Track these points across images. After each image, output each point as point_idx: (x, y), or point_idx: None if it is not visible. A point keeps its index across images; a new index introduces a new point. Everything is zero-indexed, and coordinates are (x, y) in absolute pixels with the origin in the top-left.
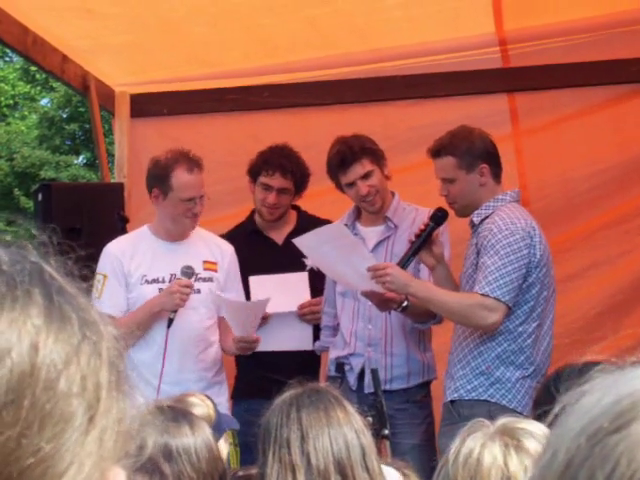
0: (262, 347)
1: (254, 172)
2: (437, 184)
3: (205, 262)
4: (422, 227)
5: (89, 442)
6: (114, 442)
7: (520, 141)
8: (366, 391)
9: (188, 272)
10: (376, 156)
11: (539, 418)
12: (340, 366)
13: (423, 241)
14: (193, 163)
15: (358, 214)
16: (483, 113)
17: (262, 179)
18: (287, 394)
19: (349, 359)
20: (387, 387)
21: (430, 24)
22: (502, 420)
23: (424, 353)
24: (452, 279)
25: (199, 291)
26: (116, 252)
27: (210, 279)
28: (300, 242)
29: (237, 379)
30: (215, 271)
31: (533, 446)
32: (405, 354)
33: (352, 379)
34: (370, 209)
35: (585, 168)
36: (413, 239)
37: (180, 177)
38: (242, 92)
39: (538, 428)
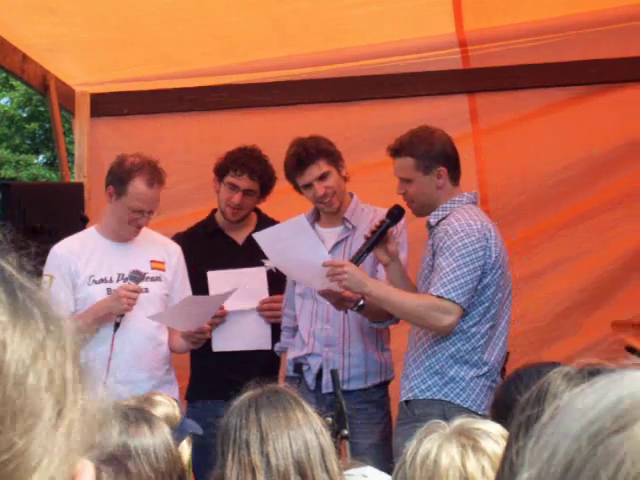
0: (220, 347)
1: (221, 171)
2: (396, 184)
3: (153, 262)
4: (378, 223)
5: (59, 435)
6: (81, 434)
7: (479, 140)
8: (324, 391)
9: (136, 277)
10: (333, 157)
11: (499, 417)
12: (298, 366)
13: (378, 237)
14: (155, 177)
15: (317, 215)
16: (443, 113)
17: (229, 179)
18: (246, 395)
19: (307, 359)
20: (345, 387)
21: (390, 23)
22: (458, 421)
23: (382, 353)
24: (407, 278)
25: (147, 290)
26: (63, 253)
27: (158, 278)
28: (259, 237)
29: (191, 380)
30: (163, 270)
31: (490, 446)
32: (363, 354)
33: (310, 379)
34: (327, 210)
35: (545, 167)
36: (369, 235)
37: (137, 187)
38: (202, 92)
39: (494, 428)
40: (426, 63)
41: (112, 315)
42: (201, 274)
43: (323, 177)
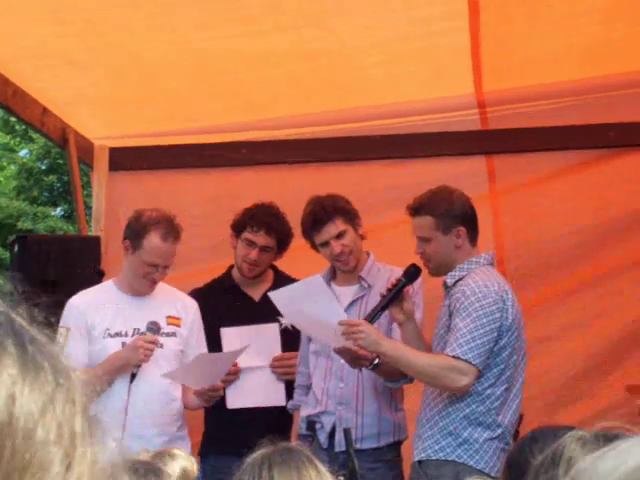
0: (234, 404)
1: (239, 227)
2: (414, 243)
3: (168, 317)
4: (394, 282)
5: None
6: None
7: (497, 202)
8: (337, 450)
9: (153, 328)
10: (349, 215)
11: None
12: (311, 424)
13: (394, 296)
14: (171, 232)
15: (333, 274)
16: (461, 174)
17: (246, 235)
18: (258, 452)
19: (320, 417)
20: (358, 446)
21: (410, 83)
22: None
23: (395, 413)
24: (421, 337)
25: (162, 346)
26: (80, 305)
27: (173, 334)
28: (275, 296)
29: (205, 435)
30: (178, 326)
31: None
32: (376, 414)
33: (323, 437)
34: (344, 268)
35: (560, 229)
36: (385, 293)
37: (152, 241)
38: (221, 148)
39: None
40: (445, 124)
41: (128, 366)
42: (216, 330)
43: (340, 236)
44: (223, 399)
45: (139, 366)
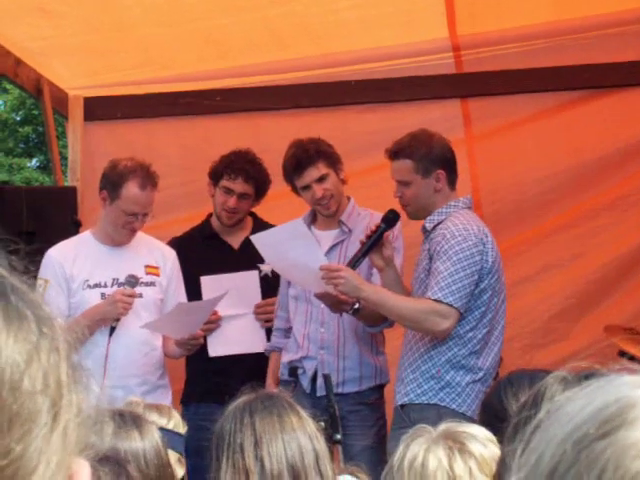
0: (216, 352)
1: (216, 175)
2: (392, 187)
3: (147, 266)
4: (373, 228)
5: (55, 438)
6: (77, 435)
7: (472, 145)
8: (319, 394)
9: (132, 281)
10: (332, 159)
11: (487, 421)
12: (293, 370)
13: (373, 242)
14: (148, 180)
15: (313, 218)
16: (436, 118)
17: (224, 182)
18: (240, 400)
19: (302, 362)
20: (340, 390)
21: (384, 27)
22: (444, 425)
23: (377, 357)
24: (401, 283)
25: (141, 295)
26: (58, 257)
27: (152, 283)
28: (256, 240)
29: (187, 383)
30: (157, 275)
31: (477, 448)
32: (357, 357)
33: (305, 382)
34: (325, 212)
35: (537, 172)
36: (364, 240)
37: (130, 190)
38: (195, 96)
39: (480, 431)
40: (419, 67)
41: (107, 320)
42: (196, 279)
43: (321, 179)
44: (204, 347)
45: (118, 320)
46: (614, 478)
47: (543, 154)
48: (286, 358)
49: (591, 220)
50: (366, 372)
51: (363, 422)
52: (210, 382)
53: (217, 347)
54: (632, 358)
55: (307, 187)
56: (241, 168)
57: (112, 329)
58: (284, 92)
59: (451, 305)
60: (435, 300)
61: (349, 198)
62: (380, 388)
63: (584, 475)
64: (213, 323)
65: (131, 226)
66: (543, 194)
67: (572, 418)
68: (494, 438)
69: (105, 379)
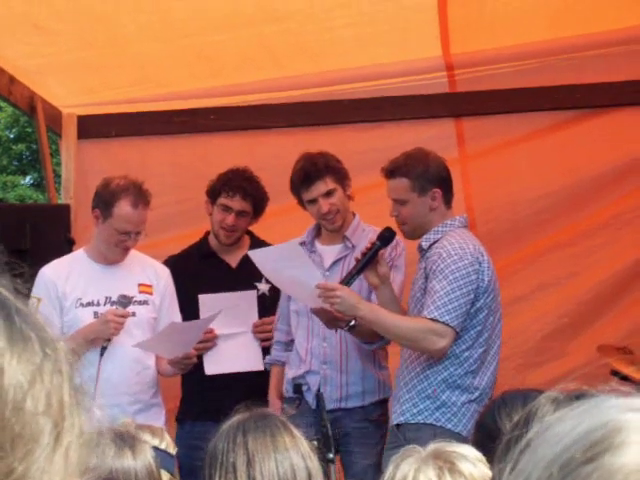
0: (212, 370)
1: (214, 193)
2: (387, 206)
3: (140, 285)
4: (369, 246)
5: (57, 459)
6: (78, 456)
7: (466, 165)
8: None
9: (124, 301)
10: (340, 175)
11: (481, 441)
12: (297, 387)
13: (368, 260)
14: (140, 198)
15: (318, 232)
16: (430, 137)
17: (222, 200)
18: (234, 419)
19: (305, 378)
20: (343, 405)
21: (379, 45)
22: (434, 444)
23: (380, 371)
24: (397, 301)
25: (134, 314)
26: (51, 275)
27: (145, 302)
28: (254, 255)
29: (182, 401)
30: (150, 294)
31: (467, 468)
32: (360, 372)
33: (310, 398)
34: (330, 227)
35: (531, 191)
36: (359, 257)
37: (122, 209)
38: (190, 114)
39: (470, 451)
40: (413, 87)
41: (99, 339)
42: (194, 297)
43: (329, 194)
44: (201, 365)
45: (109, 340)
46: None
47: (537, 173)
48: (290, 374)
49: (585, 239)
50: (369, 387)
51: (367, 440)
52: (206, 400)
53: (213, 365)
54: (624, 378)
55: (314, 201)
56: (239, 186)
57: (103, 349)
58: (279, 110)
59: (447, 324)
60: (431, 319)
61: (354, 214)
62: (383, 403)
63: None
64: (210, 341)
65: (124, 245)
66: (537, 213)
67: (560, 440)
68: (483, 458)
69: (96, 399)
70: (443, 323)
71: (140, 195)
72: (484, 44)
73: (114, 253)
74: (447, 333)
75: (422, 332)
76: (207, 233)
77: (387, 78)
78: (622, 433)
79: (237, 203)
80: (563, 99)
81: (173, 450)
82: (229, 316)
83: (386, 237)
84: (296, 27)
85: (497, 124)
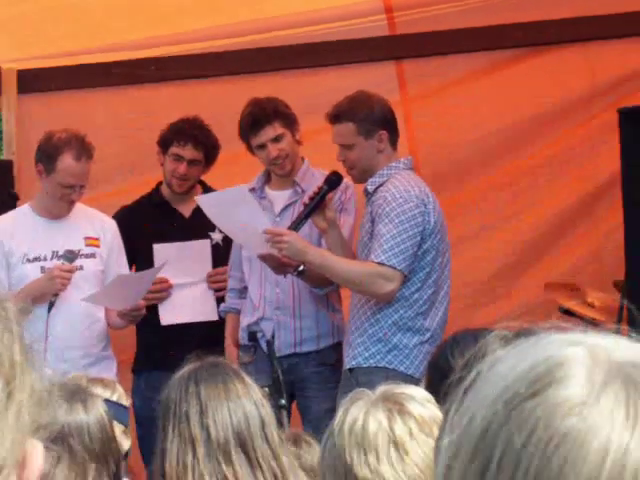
0: (168, 320)
1: (165, 143)
2: (333, 151)
3: (87, 238)
4: (316, 190)
5: (9, 417)
6: (30, 415)
7: (409, 107)
8: (278, 355)
9: (70, 256)
10: (288, 120)
11: (434, 382)
12: (252, 335)
13: (316, 204)
14: (83, 151)
15: (267, 178)
16: (372, 81)
17: (173, 149)
18: (185, 369)
19: (260, 325)
20: (297, 350)
21: None
22: (382, 387)
23: (334, 314)
24: (346, 245)
25: (82, 267)
26: None
27: (92, 255)
28: (202, 201)
29: (138, 352)
30: (97, 246)
31: (416, 409)
32: (314, 316)
33: (264, 344)
34: (279, 172)
35: (473, 132)
36: (307, 202)
37: (65, 162)
38: (129, 66)
39: (418, 392)
40: (352, 30)
41: (46, 295)
42: (148, 247)
43: (277, 139)
44: (155, 316)
45: (57, 295)
46: (544, 437)
47: (479, 114)
48: (244, 322)
49: (527, 178)
50: (324, 330)
51: (323, 384)
52: (162, 351)
53: (168, 315)
54: (571, 313)
55: (262, 146)
56: (190, 134)
57: (51, 304)
58: (219, 59)
59: (395, 267)
60: (378, 263)
61: (303, 159)
62: (339, 347)
63: (515, 435)
64: (164, 291)
65: (69, 198)
66: (480, 153)
67: (503, 378)
68: (432, 398)
69: (46, 354)
70: (390, 266)
71: (83, 148)
72: None
73: (59, 207)
74: (395, 276)
75: (370, 276)
76: (159, 183)
77: (326, 23)
78: (564, 367)
79: (189, 152)
80: (503, 38)
81: (126, 402)
82: (183, 266)
83: (333, 180)
84: None
85: (438, 65)
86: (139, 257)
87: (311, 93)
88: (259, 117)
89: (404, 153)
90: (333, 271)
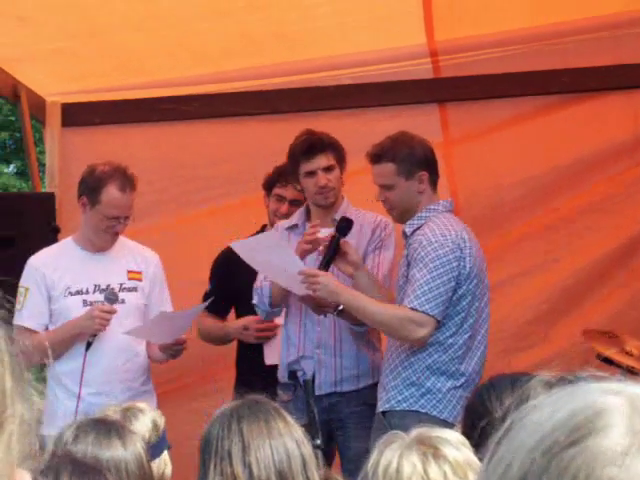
0: (270, 360)
1: (269, 185)
2: (372, 191)
3: (130, 272)
4: (329, 238)
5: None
6: (19, 445)
7: (451, 150)
8: (317, 393)
9: (112, 297)
10: (340, 154)
11: (470, 426)
12: (293, 374)
13: (333, 253)
14: (127, 182)
15: (307, 215)
16: (414, 123)
17: (276, 190)
18: (227, 406)
19: (300, 363)
20: (338, 389)
21: (361, 33)
22: (417, 430)
23: (374, 354)
24: (378, 285)
25: (123, 301)
26: (38, 265)
27: (135, 288)
28: (237, 247)
29: (236, 388)
30: (140, 280)
31: (451, 453)
32: (355, 355)
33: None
34: (322, 202)
35: (514, 176)
36: (323, 251)
37: (110, 194)
38: (173, 102)
39: (453, 435)
40: (397, 73)
41: (84, 334)
42: (249, 287)
43: (328, 169)
44: (259, 354)
45: (95, 335)
46: None
47: (520, 158)
48: (285, 359)
49: (567, 224)
50: (363, 370)
51: (362, 424)
52: (262, 391)
53: (273, 355)
54: (610, 361)
55: (312, 173)
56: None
57: (89, 344)
58: (262, 97)
59: (427, 313)
60: (411, 308)
61: (343, 197)
62: (377, 386)
63: None
64: (271, 331)
65: (113, 230)
66: (520, 198)
67: (540, 426)
68: (467, 442)
69: (81, 392)
70: (423, 312)
71: (126, 179)
72: (468, 31)
73: (103, 239)
74: (427, 322)
75: (401, 321)
76: (264, 226)
77: (370, 65)
78: (604, 416)
79: (290, 192)
80: (547, 84)
81: (160, 419)
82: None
83: (343, 227)
84: (278, 15)
85: (481, 109)
86: (240, 297)
87: (354, 134)
88: (315, 144)
89: (445, 196)
90: (366, 314)
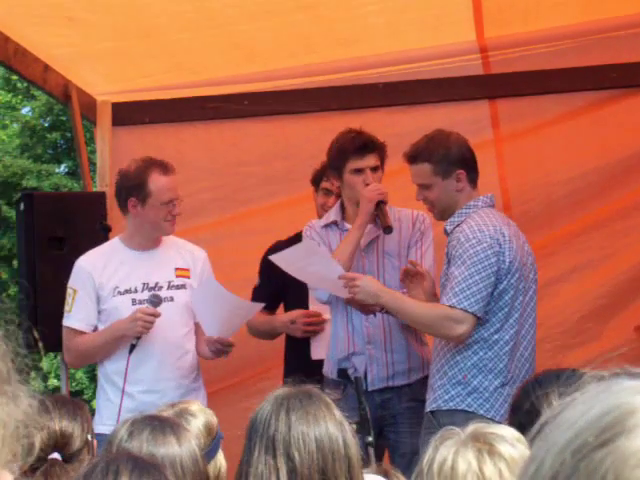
0: (316, 355)
1: (317, 180)
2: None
3: (177, 269)
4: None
5: None
6: (7, 447)
7: (501, 146)
8: (370, 389)
9: (155, 300)
10: (384, 158)
11: (517, 424)
12: (343, 372)
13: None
14: (164, 165)
15: (343, 214)
16: (464, 119)
17: (323, 184)
18: (279, 392)
19: (351, 360)
20: (390, 384)
21: (411, 31)
22: (472, 426)
23: (422, 347)
24: (432, 291)
25: (172, 299)
26: (86, 266)
27: (183, 286)
28: (276, 259)
29: (286, 370)
30: (188, 277)
31: (506, 449)
32: (405, 349)
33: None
34: None
35: (566, 173)
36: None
37: (157, 181)
38: (223, 100)
39: (508, 432)
40: (447, 69)
41: (128, 337)
42: (299, 283)
43: (375, 169)
44: (305, 347)
45: (139, 337)
46: None
47: (572, 154)
48: (334, 356)
49: (620, 220)
50: (414, 364)
51: (417, 419)
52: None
53: (319, 351)
54: None
55: (360, 170)
56: None
57: (132, 346)
58: (312, 95)
59: (465, 310)
60: (449, 306)
61: None
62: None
63: None
64: (319, 325)
65: (172, 214)
66: (572, 194)
67: (571, 425)
68: (522, 438)
69: (125, 391)
70: (461, 309)
71: (162, 163)
72: (518, 27)
73: (165, 229)
74: (465, 319)
75: (439, 319)
76: (298, 233)
77: (420, 62)
78: (635, 416)
79: (337, 185)
80: (598, 79)
81: (213, 417)
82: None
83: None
84: (328, 14)
85: (531, 105)
86: (289, 291)
87: (403, 131)
88: (367, 142)
89: (496, 193)
90: (406, 314)
